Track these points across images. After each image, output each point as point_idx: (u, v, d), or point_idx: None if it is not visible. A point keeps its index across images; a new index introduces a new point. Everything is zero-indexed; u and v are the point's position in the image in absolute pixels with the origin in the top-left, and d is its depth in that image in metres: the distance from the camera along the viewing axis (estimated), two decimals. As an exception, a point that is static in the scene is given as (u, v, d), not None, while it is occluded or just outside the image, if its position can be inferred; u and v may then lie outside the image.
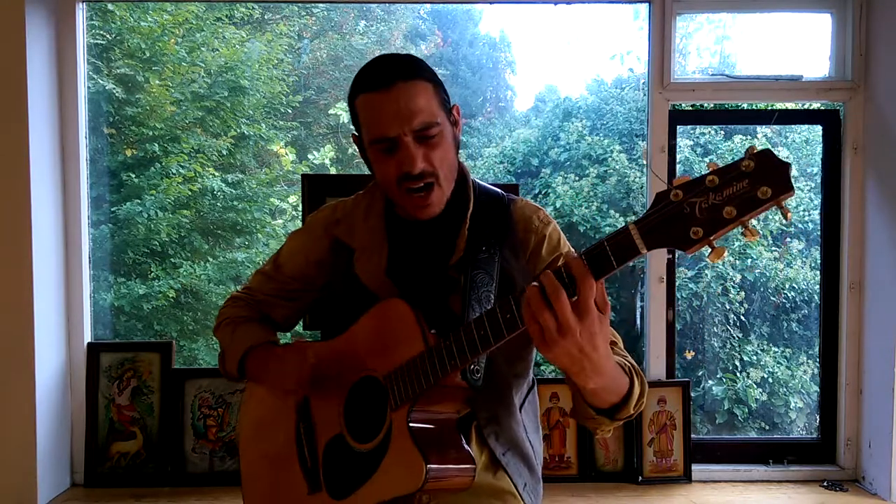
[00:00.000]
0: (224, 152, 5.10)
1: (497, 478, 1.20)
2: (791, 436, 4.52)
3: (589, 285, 0.86)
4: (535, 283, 0.88)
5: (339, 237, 1.29)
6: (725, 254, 0.83)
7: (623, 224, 0.87)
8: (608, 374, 0.95)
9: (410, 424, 1.05)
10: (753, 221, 0.81)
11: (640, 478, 2.38)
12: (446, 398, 1.09)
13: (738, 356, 4.82)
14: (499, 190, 1.29)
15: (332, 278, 1.30)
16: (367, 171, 1.28)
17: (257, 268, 1.45)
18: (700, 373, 4.84)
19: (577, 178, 5.61)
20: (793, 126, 5.17)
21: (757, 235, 0.82)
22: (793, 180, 0.79)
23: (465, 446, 1.11)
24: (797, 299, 4.87)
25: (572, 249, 1.25)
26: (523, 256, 1.22)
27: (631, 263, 0.86)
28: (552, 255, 1.23)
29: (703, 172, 0.83)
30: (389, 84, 1.10)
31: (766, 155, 0.79)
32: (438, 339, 1.04)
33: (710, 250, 0.83)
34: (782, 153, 5.04)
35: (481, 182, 1.29)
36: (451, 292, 1.17)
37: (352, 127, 1.25)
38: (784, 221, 0.77)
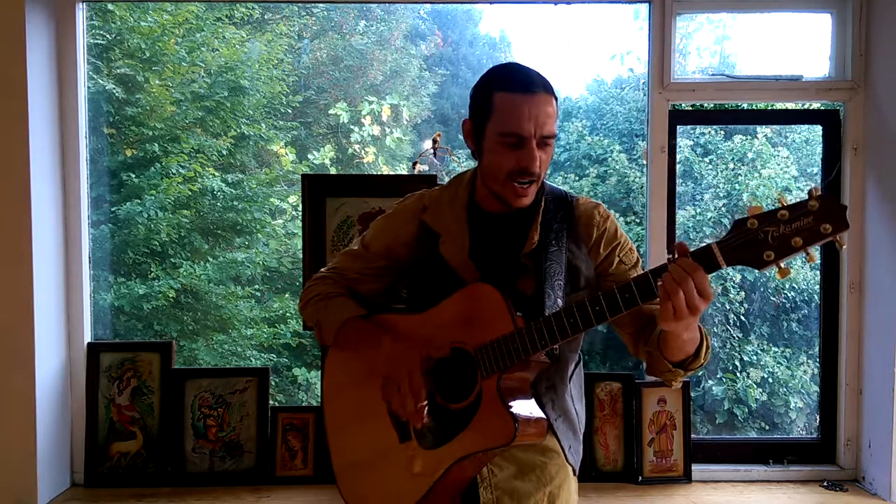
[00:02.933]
0: (224, 152, 5.10)
1: (547, 438, 1.37)
2: (791, 436, 4.52)
3: (703, 275, 1.11)
4: (669, 272, 1.12)
5: (427, 222, 1.45)
6: (791, 273, 1.04)
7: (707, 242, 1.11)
8: (695, 331, 1.22)
9: (500, 390, 1.24)
10: (813, 249, 1.04)
11: (640, 478, 2.38)
12: (527, 369, 1.29)
13: (738, 356, 4.82)
14: (564, 189, 1.48)
15: (417, 258, 1.46)
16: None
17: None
18: (700, 373, 4.84)
19: (577, 178, 5.61)
20: (793, 126, 5.17)
21: (815, 259, 1.07)
22: (848, 218, 1.02)
23: (540, 410, 1.31)
24: (797, 299, 4.87)
25: (630, 242, 1.45)
26: (585, 247, 1.41)
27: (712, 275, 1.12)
28: (610, 245, 1.42)
29: (773, 206, 1.06)
30: (534, 91, 1.29)
31: (829, 198, 1.03)
32: (527, 322, 1.24)
33: (776, 269, 1.07)
34: (782, 153, 5.04)
35: (548, 182, 1.46)
36: (520, 276, 1.36)
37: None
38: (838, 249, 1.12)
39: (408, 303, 1.53)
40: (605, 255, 1.42)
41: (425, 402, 1.30)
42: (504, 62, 1.40)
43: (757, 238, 1.06)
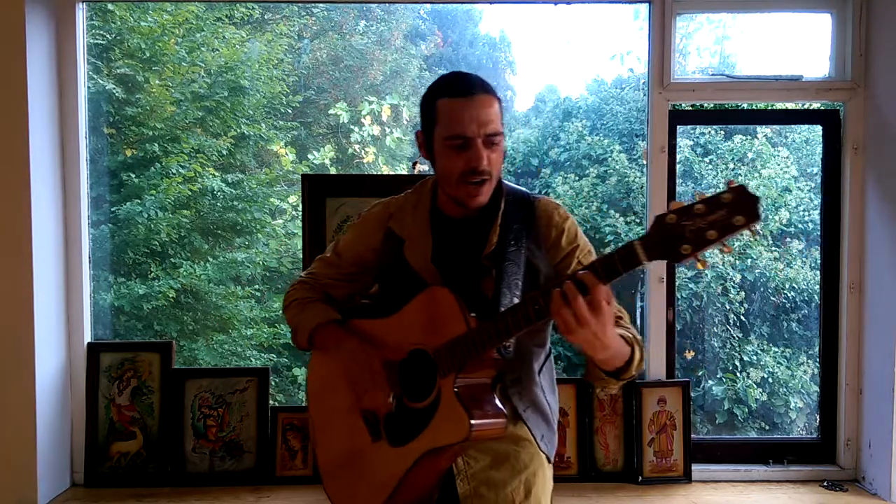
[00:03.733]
0: (224, 152, 5.10)
1: (517, 427, 1.44)
2: (791, 436, 4.52)
3: (599, 290, 1.15)
4: (558, 289, 1.16)
5: (392, 228, 1.52)
6: (708, 265, 1.09)
7: (626, 231, 1.10)
8: (613, 348, 1.24)
9: (456, 389, 1.30)
10: (728, 241, 1.07)
11: (640, 478, 2.38)
12: (483, 367, 1.34)
13: (738, 356, 4.82)
14: (524, 189, 1.51)
15: (384, 263, 1.53)
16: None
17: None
18: (700, 373, 4.85)
19: (577, 178, 5.61)
20: (793, 126, 5.17)
21: (730, 249, 1.12)
22: (761, 210, 1.05)
23: (499, 405, 1.36)
24: (797, 299, 4.87)
25: (588, 245, 1.49)
26: (545, 247, 1.44)
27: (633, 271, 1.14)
28: (570, 246, 1.46)
29: (691, 199, 1.09)
30: (473, 94, 1.35)
31: (741, 190, 1.05)
32: (478, 323, 1.29)
33: (696, 262, 1.10)
34: (782, 153, 5.04)
35: (508, 183, 1.50)
36: (483, 278, 1.40)
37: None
38: (751, 237, 1.21)
39: (378, 307, 1.58)
40: (563, 255, 1.45)
41: (391, 396, 1.39)
42: (448, 72, 1.46)
43: (675, 233, 1.08)
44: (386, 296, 1.54)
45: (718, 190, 1.07)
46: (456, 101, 1.36)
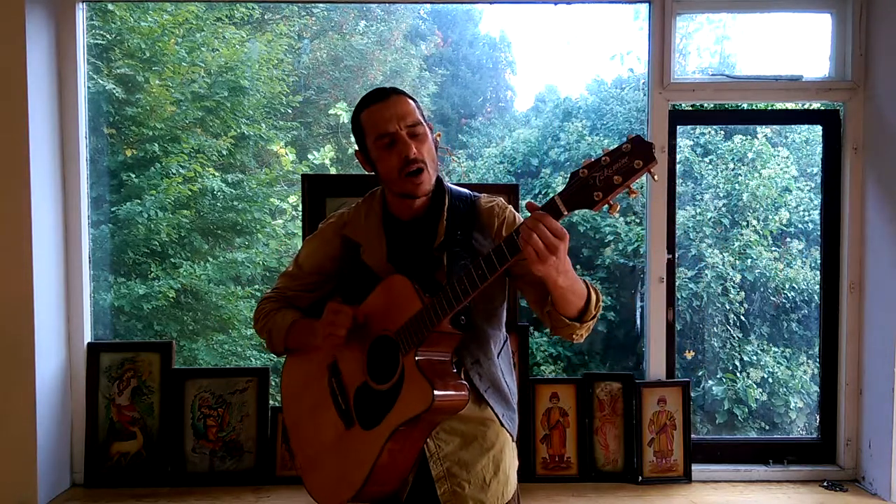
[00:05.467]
0: (224, 152, 5.09)
1: (482, 409, 1.54)
2: (791, 436, 4.51)
3: (552, 221, 1.27)
4: (523, 224, 1.28)
5: (348, 235, 1.63)
6: (618, 209, 1.27)
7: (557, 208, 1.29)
8: (572, 278, 1.37)
9: (417, 361, 1.39)
10: (634, 185, 1.23)
11: (640, 478, 2.38)
12: (442, 342, 1.43)
13: (738, 356, 4.81)
14: (467, 191, 1.64)
15: (344, 269, 1.64)
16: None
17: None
18: (700, 373, 4.84)
19: (577, 178, 5.59)
20: (793, 126, 5.17)
21: (637, 194, 1.25)
22: (655, 153, 1.22)
23: (459, 377, 1.47)
24: (797, 299, 4.86)
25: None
26: (489, 235, 1.56)
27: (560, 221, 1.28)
28: (511, 230, 1.51)
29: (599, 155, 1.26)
30: (386, 97, 1.52)
31: (638, 139, 1.23)
32: (430, 298, 1.40)
33: (608, 207, 1.26)
34: (782, 153, 5.04)
35: (452, 185, 1.63)
36: (436, 269, 1.52)
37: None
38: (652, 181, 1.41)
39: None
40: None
41: (354, 313, 1.48)
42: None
43: (587, 183, 1.25)
44: (349, 300, 1.60)
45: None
46: (373, 107, 1.52)
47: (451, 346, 1.46)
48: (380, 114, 1.50)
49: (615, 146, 1.25)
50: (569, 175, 1.29)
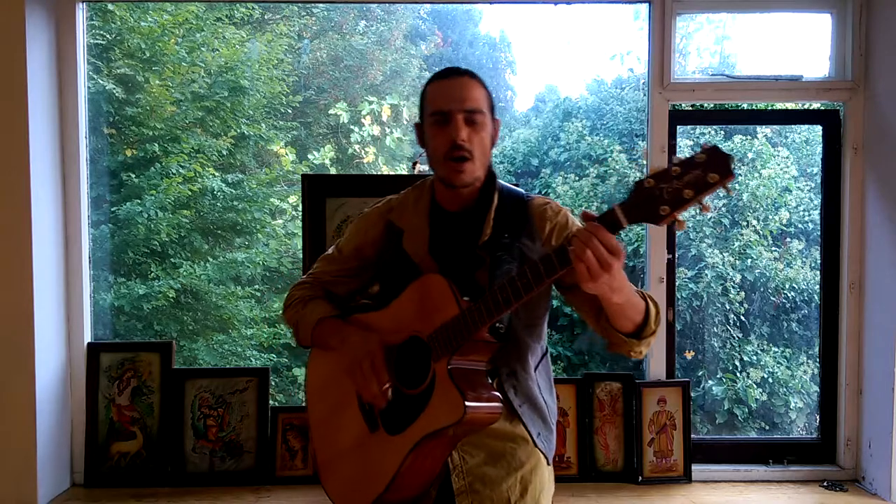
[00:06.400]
0: (224, 152, 5.09)
1: (514, 425, 1.45)
2: (791, 436, 4.52)
3: (608, 235, 1.15)
4: (575, 236, 1.17)
5: (392, 220, 1.57)
6: (686, 225, 1.11)
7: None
8: (628, 292, 1.26)
9: (450, 370, 1.31)
10: (707, 199, 1.10)
11: (640, 478, 2.38)
12: (477, 351, 1.35)
13: (738, 356, 4.81)
14: (520, 190, 1.56)
15: (384, 258, 1.57)
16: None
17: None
18: (700, 373, 4.84)
19: (577, 178, 5.61)
20: (793, 126, 5.17)
21: (709, 209, 1.13)
22: (734, 167, 1.08)
23: (493, 389, 1.38)
24: (797, 299, 4.86)
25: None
26: (540, 241, 1.47)
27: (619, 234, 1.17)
28: (563, 234, 1.48)
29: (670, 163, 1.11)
30: (456, 76, 1.46)
31: (715, 150, 1.08)
32: (469, 303, 1.31)
33: (675, 223, 1.13)
34: (782, 153, 5.04)
35: (505, 183, 1.56)
36: (478, 268, 1.44)
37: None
38: (725, 195, 1.16)
39: (377, 299, 1.62)
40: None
41: (388, 384, 1.38)
42: None
43: (653, 195, 1.12)
44: (387, 289, 1.55)
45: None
46: (441, 82, 1.47)
47: (487, 355, 1.38)
48: (443, 90, 1.45)
49: (687, 156, 1.11)
50: (633, 184, 1.15)
